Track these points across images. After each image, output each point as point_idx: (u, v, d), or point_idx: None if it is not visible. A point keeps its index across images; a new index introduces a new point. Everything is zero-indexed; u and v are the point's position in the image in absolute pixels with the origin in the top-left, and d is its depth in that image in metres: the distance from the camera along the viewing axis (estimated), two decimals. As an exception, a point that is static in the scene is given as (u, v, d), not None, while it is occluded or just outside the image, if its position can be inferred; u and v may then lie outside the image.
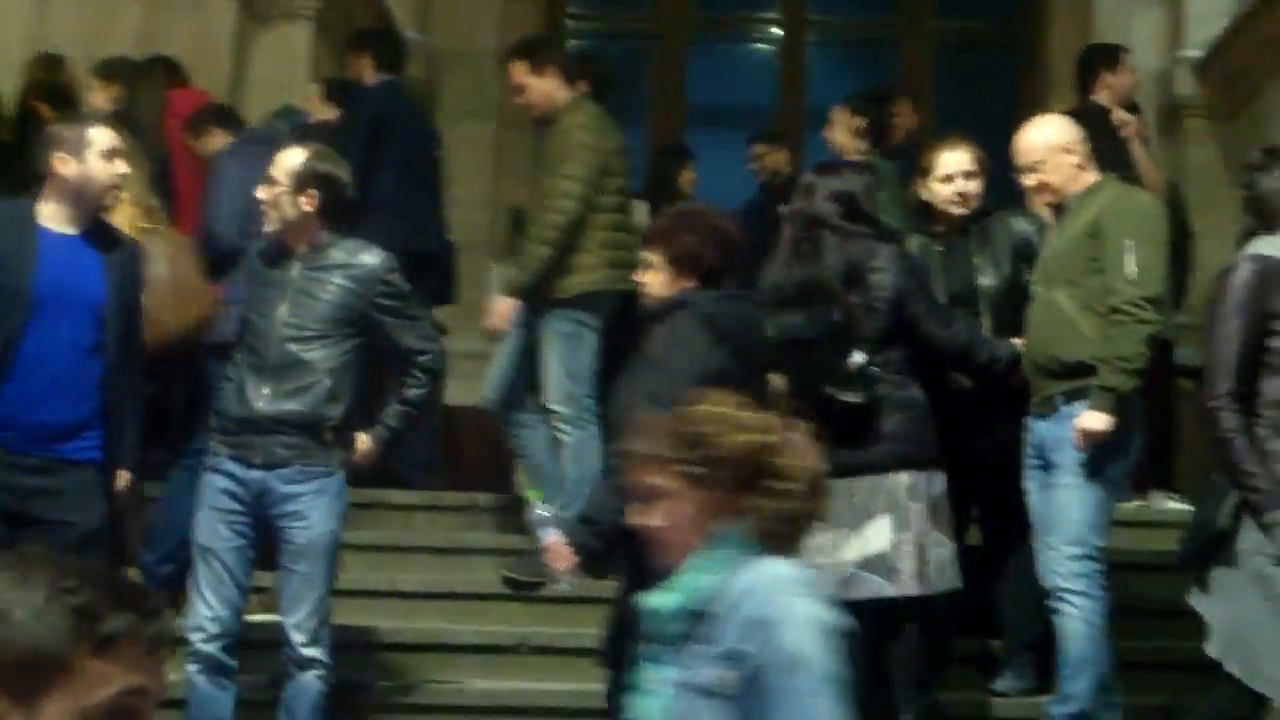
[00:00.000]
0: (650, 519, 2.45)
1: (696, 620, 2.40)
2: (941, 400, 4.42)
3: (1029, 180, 4.44)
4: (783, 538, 2.45)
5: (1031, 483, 4.33)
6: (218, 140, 5.96)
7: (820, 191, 4.52)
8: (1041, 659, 4.56)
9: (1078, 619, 4.15)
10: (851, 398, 4.21)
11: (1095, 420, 4.12)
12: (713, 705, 2.34)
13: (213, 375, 4.80)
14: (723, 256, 3.96)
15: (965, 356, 4.48)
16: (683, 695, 2.39)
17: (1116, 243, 4.19)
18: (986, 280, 4.65)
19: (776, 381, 3.97)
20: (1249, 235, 3.90)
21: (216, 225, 5.34)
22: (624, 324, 4.93)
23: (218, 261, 5.18)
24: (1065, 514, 4.20)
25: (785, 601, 2.34)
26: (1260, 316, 3.71)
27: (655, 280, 3.97)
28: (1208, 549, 3.77)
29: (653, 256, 3.99)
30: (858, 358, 4.23)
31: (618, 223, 5.38)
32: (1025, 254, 4.65)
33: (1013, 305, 4.54)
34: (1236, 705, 3.74)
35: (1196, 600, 3.81)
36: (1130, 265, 4.16)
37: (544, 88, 5.42)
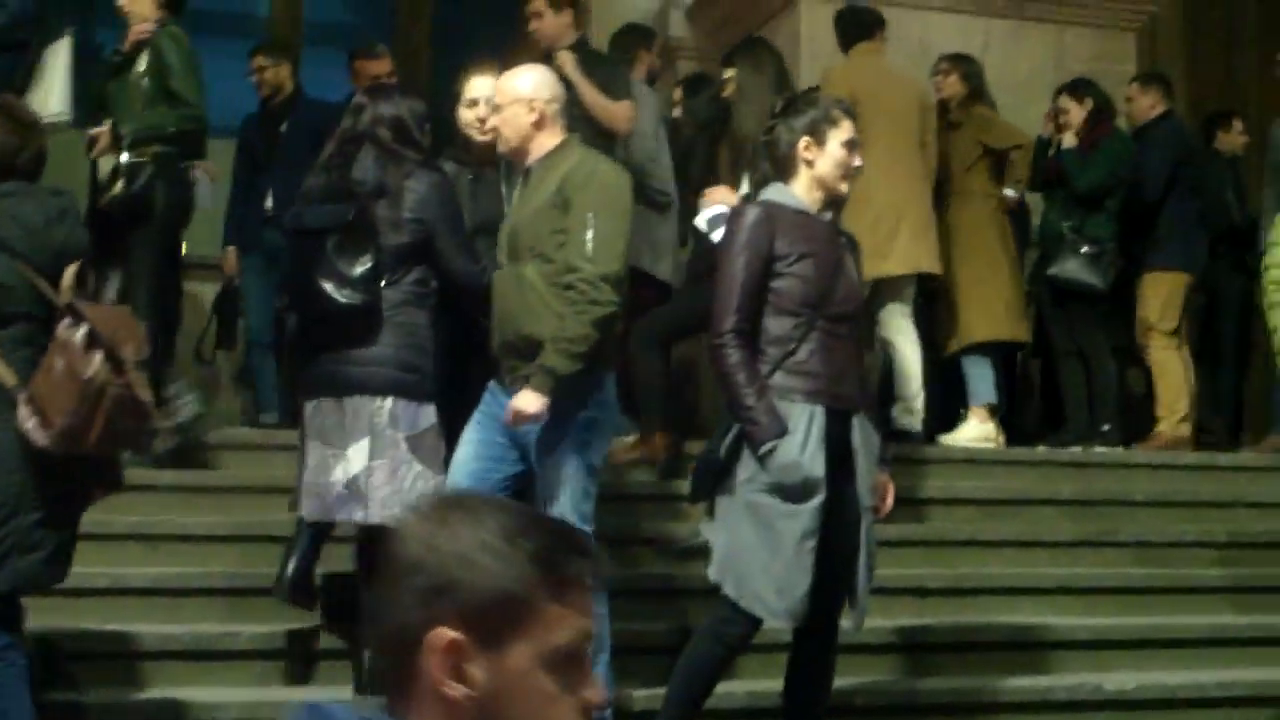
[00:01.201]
0: None
1: None
2: (464, 333, 4.40)
3: (491, 122, 4.31)
4: None
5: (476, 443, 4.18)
6: None
7: (370, 113, 4.41)
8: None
9: None
10: (342, 297, 4.16)
11: (529, 401, 3.94)
12: None
13: None
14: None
15: (486, 293, 4.43)
16: None
17: (579, 216, 4.01)
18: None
19: (67, 279, 3.67)
20: (765, 182, 4.08)
21: None
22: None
23: None
24: (547, 507, 4.02)
25: None
26: (764, 259, 3.88)
27: None
28: (712, 481, 3.93)
29: None
30: (361, 266, 4.17)
31: None
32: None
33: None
34: (732, 625, 3.92)
35: (705, 529, 3.98)
36: (588, 241, 3.99)
37: None
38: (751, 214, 3.93)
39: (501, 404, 4.10)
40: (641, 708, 4.26)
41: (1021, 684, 4.86)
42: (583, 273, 3.97)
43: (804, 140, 3.96)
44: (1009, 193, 6.79)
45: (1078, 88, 6.96)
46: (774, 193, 4.00)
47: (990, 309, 6.58)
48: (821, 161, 3.97)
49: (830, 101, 4.06)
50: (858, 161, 4.01)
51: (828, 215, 4.03)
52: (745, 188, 5.34)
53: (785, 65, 5.80)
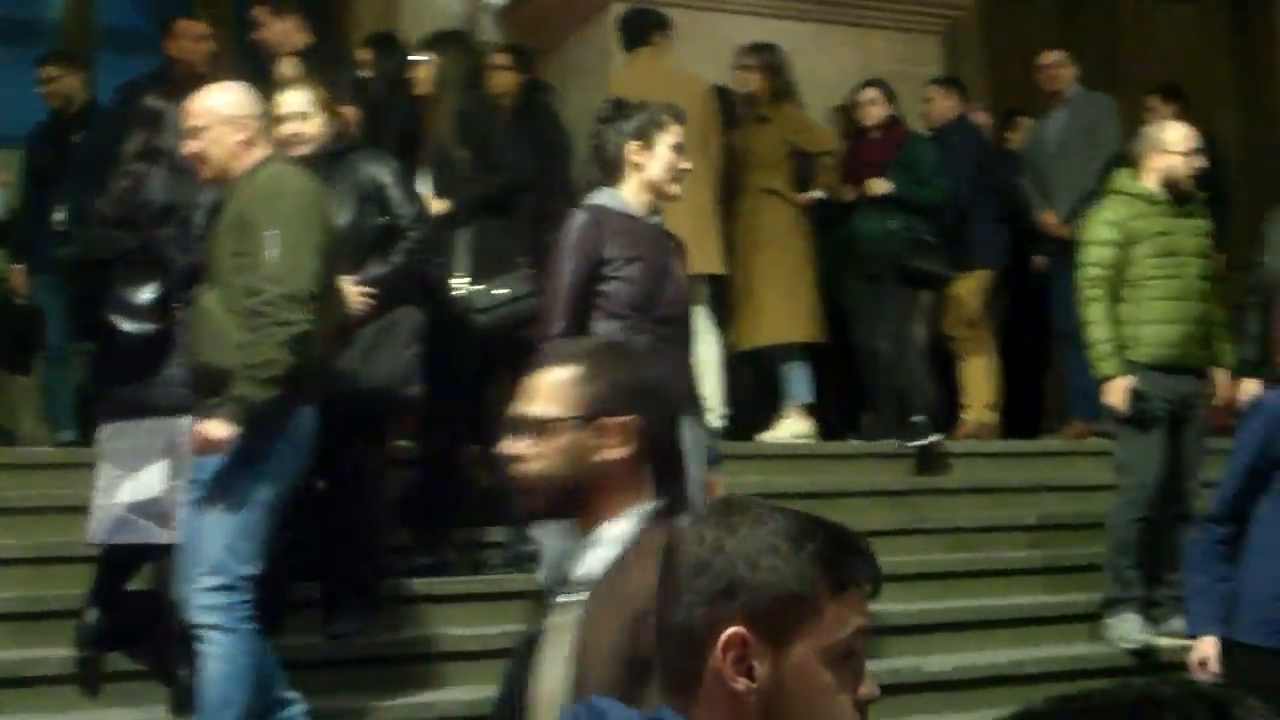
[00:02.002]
0: None
1: None
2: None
3: (187, 148, 3.92)
4: None
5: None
6: None
7: (168, 121, 4.27)
8: (374, 598, 4.62)
9: (217, 658, 3.70)
10: (131, 327, 4.07)
11: (215, 427, 3.64)
12: None
13: None
14: None
15: None
16: None
17: (261, 235, 3.71)
18: None
19: None
20: (591, 185, 4.08)
21: None
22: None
23: None
24: (203, 539, 3.72)
25: None
26: (593, 263, 3.88)
27: None
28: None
29: None
30: (149, 291, 4.08)
31: None
32: (373, 197, 4.62)
33: (355, 249, 4.47)
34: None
35: (538, 532, 3.96)
36: (271, 260, 3.69)
37: None
38: (580, 218, 3.94)
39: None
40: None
41: (845, 669, 4.96)
42: (266, 295, 3.67)
43: (633, 144, 3.98)
44: (818, 194, 6.90)
45: (887, 87, 7.08)
46: (603, 197, 4.01)
47: (795, 312, 6.65)
48: (651, 165, 3.99)
49: (659, 106, 4.09)
50: (686, 164, 4.04)
51: (656, 218, 4.06)
52: (432, 190, 5.22)
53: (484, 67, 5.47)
